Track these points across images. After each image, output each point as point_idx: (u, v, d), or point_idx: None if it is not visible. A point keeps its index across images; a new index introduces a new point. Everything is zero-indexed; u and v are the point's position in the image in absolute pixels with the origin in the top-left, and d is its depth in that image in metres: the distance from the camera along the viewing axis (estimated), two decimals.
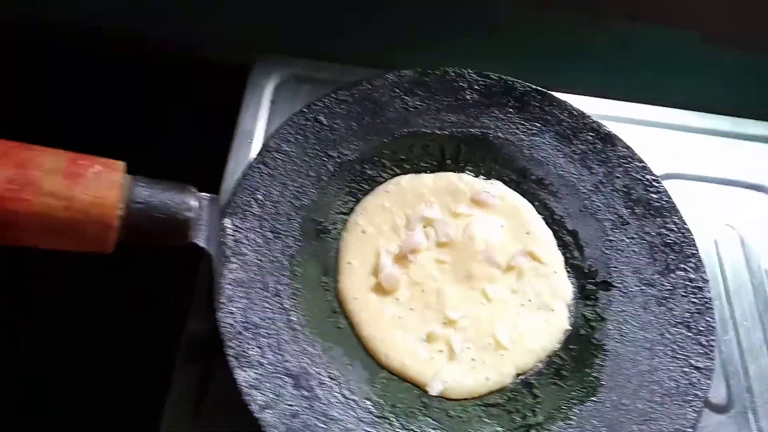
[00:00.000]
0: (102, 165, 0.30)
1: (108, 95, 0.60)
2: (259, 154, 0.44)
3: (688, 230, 0.45)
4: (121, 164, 0.31)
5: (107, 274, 0.52)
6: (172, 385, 0.40)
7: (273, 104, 0.54)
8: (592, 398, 0.40)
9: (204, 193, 0.35)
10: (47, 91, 0.59)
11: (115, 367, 0.51)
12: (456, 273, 0.43)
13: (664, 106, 0.58)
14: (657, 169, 0.50)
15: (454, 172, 0.48)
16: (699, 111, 0.58)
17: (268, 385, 0.36)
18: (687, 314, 0.42)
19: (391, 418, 0.38)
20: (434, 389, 0.38)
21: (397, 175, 0.47)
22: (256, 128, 0.52)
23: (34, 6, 0.55)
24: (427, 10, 0.57)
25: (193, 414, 0.39)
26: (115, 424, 0.49)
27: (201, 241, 0.34)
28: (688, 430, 0.38)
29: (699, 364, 0.40)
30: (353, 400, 0.38)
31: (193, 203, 0.33)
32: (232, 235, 0.40)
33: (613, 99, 0.58)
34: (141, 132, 0.60)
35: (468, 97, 0.49)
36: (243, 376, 0.36)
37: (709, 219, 0.52)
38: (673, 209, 0.46)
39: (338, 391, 0.38)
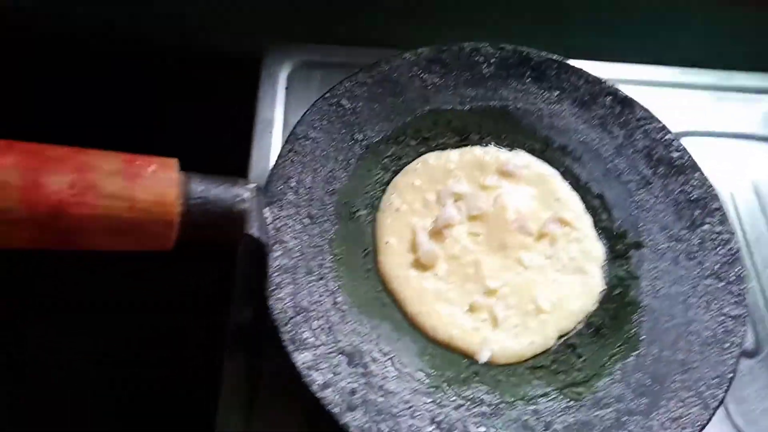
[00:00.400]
0: (157, 164, 0.30)
1: (119, 93, 0.60)
2: (288, 141, 0.44)
3: (711, 185, 0.46)
4: (175, 162, 0.32)
5: (142, 274, 0.53)
6: (223, 379, 0.41)
7: (288, 91, 0.54)
8: (633, 353, 0.41)
9: (252, 184, 0.35)
10: (62, 90, 0.59)
11: (163, 367, 0.52)
12: (490, 244, 0.44)
13: (673, 65, 0.59)
14: (672, 128, 0.51)
15: (479, 146, 0.48)
16: (708, 67, 0.60)
17: (324, 365, 0.37)
18: (717, 266, 0.43)
19: (444, 387, 0.39)
20: (483, 357, 0.40)
21: (424, 153, 0.47)
22: (275, 116, 0.53)
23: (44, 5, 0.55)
24: None
25: (246, 406, 0.40)
26: (169, 424, 0.50)
27: (255, 231, 0.34)
28: (729, 375, 0.39)
29: (733, 312, 0.42)
30: (407, 373, 0.39)
31: (246, 195, 0.34)
32: (272, 224, 0.41)
33: (621, 62, 0.59)
34: (155, 128, 0.60)
35: (485, 70, 0.50)
36: (301, 359, 0.37)
37: (725, 173, 0.54)
38: (694, 166, 0.47)
39: (391, 365, 0.39)
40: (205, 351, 0.43)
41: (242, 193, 0.34)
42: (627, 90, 0.51)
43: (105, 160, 0.29)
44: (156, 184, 0.30)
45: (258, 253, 0.36)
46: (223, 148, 0.57)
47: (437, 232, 0.44)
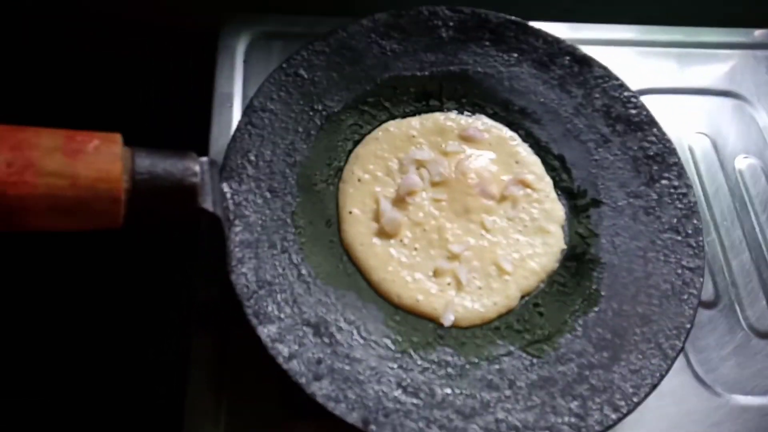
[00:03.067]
0: (100, 139, 0.30)
1: (71, 67, 0.58)
2: (245, 114, 0.44)
3: (669, 140, 0.47)
4: (118, 136, 0.31)
5: (104, 253, 0.52)
6: (191, 356, 0.41)
7: (246, 64, 0.53)
8: (594, 308, 0.42)
9: (203, 157, 0.35)
10: (13, 63, 0.57)
11: (130, 345, 0.52)
12: (453, 209, 0.44)
13: (635, 23, 0.59)
14: (633, 86, 0.51)
15: (439, 111, 0.48)
16: (670, 24, 0.60)
17: (289, 337, 0.38)
18: (674, 220, 0.44)
19: (410, 352, 0.39)
20: (447, 320, 0.40)
21: (385, 121, 0.47)
22: (234, 90, 0.52)
23: None
24: None
25: (216, 381, 0.40)
26: (139, 402, 0.50)
27: (208, 205, 0.34)
28: (687, 326, 0.41)
29: (690, 265, 0.43)
30: (372, 340, 0.39)
31: (196, 168, 0.33)
32: (231, 199, 0.40)
33: (582, 22, 0.58)
34: (112, 102, 0.58)
35: (444, 34, 0.49)
36: (265, 332, 0.37)
37: (684, 128, 0.55)
38: (651, 122, 0.48)
39: (357, 333, 0.39)
40: (173, 328, 0.43)
41: (192, 166, 0.33)
42: (589, 50, 0.51)
43: (44, 137, 0.28)
44: (99, 159, 0.29)
45: (216, 227, 0.36)
46: (182, 124, 0.56)
47: (400, 200, 0.44)
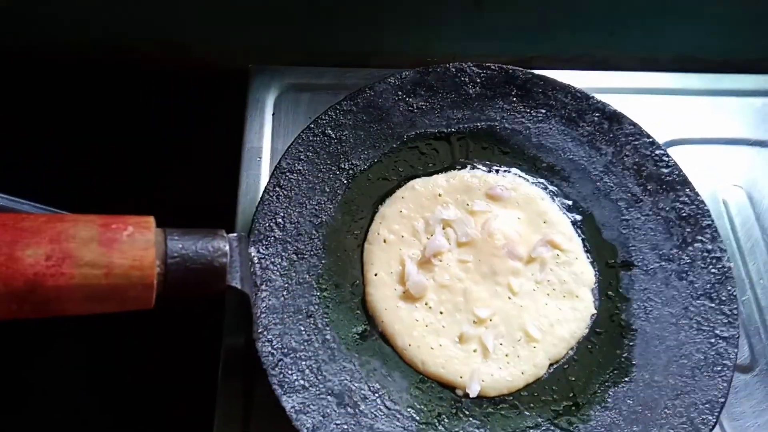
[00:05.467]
0: (134, 225, 0.30)
1: (101, 109, 0.59)
2: (273, 176, 0.44)
3: (702, 201, 0.46)
4: (151, 220, 0.32)
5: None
6: (217, 401, 0.41)
7: (275, 117, 0.54)
8: (625, 379, 0.41)
9: (233, 234, 0.35)
10: (44, 107, 0.58)
11: (157, 387, 0.52)
12: (480, 271, 0.44)
13: (659, 62, 0.58)
14: (661, 136, 0.50)
15: (466, 168, 0.48)
16: (691, 67, 0.59)
17: (313, 407, 0.38)
18: (708, 285, 0.43)
19: (435, 423, 0.39)
20: (473, 391, 0.40)
21: (410, 178, 0.47)
22: (263, 144, 0.52)
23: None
24: None
25: (241, 426, 0.41)
26: None
27: (237, 283, 0.34)
28: (721, 400, 0.39)
29: (725, 334, 0.41)
30: (396, 410, 0.39)
31: (226, 248, 0.34)
32: (258, 263, 0.41)
33: (608, 69, 0.58)
34: (139, 153, 0.60)
35: (471, 90, 0.49)
36: (290, 403, 0.37)
37: (716, 181, 0.53)
38: (684, 182, 0.47)
39: (381, 403, 0.39)
40: (199, 375, 0.44)
41: (222, 246, 0.34)
42: (616, 99, 0.50)
43: (81, 226, 0.29)
44: (132, 247, 0.30)
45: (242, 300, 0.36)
46: (209, 177, 0.57)
47: (426, 262, 0.44)
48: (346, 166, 0.46)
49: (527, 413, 0.40)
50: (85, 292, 0.28)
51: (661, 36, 0.60)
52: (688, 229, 0.45)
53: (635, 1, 0.58)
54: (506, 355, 0.41)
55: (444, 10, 0.56)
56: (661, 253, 0.45)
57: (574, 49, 0.60)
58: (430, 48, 0.58)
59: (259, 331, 0.39)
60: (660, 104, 0.56)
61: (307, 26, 0.57)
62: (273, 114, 0.54)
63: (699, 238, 0.45)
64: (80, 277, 0.28)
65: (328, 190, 0.45)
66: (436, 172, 0.48)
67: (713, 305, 0.43)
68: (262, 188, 0.50)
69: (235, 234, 0.35)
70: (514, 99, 0.49)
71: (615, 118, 0.49)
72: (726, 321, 0.42)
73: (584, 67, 0.58)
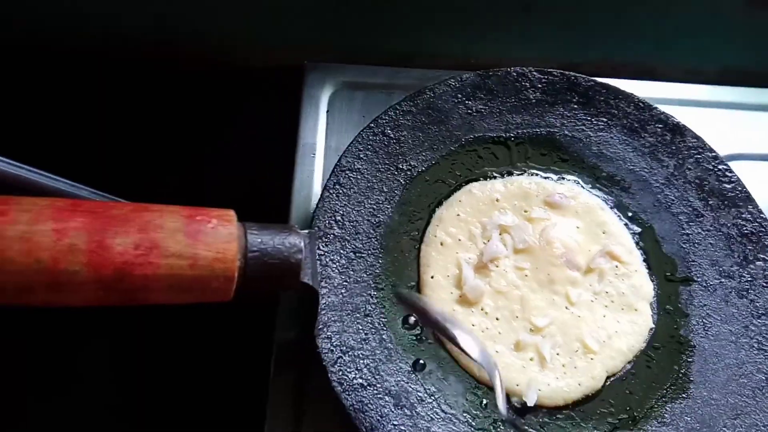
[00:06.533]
0: (217, 218, 0.30)
1: (151, 109, 0.60)
2: (333, 174, 0.44)
3: (765, 219, 0.45)
4: (233, 214, 0.32)
5: None
6: (269, 396, 0.41)
7: (329, 114, 0.54)
8: (683, 395, 0.40)
9: (305, 231, 0.35)
10: (95, 108, 0.59)
11: (208, 387, 0.53)
12: (537, 279, 0.44)
13: (707, 74, 0.57)
14: (724, 150, 0.49)
15: (524, 174, 0.48)
16: (738, 81, 0.57)
17: (371, 406, 0.37)
18: None
19: (490, 430, 0.39)
20: (531, 399, 0.39)
21: (468, 182, 0.47)
22: (317, 141, 0.52)
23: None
24: None
25: (293, 423, 0.41)
26: None
27: (308, 280, 0.34)
28: None
29: None
30: (452, 414, 0.39)
31: (301, 244, 0.34)
32: (319, 260, 0.41)
33: (670, 81, 0.57)
34: (194, 145, 0.60)
35: (531, 96, 0.49)
36: (350, 401, 0.37)
37: None
38: (747, 198, 0.46)
39: (437, 406, 0.39)
40: (252, 369, 0.44)
41: (298, 243, 0.34)
42: (674, 110, 0.49)
43: (168, 217, 0.29)
44: (216, 239, 0.30)
45: (309, 295, 0.36)
46: (264, 173, 0.57)
47: (483, 267, 0.44)
48: (404, 167, 0.46)
49: (583, 425, 0.39)
50: (170, 282, 0.29)
51: (709, 47, 0.59)
52: (750, 247, 0.44)
53: (684, 11, 0.57)
54: (563, 366, 0.41)
55: (492, 12, 0.56)
56: (721, 269, 0.44)
57: (620, 57, 0.59)
58: (474, 50, 0.57)
59: (320, 327, 0.39)
60: (720, 118, 0.55)
61: (352, 25, 0.57)
62: (327, 111, 0.54)
63: (761, 256, 0.44)
64: (166, 268, 0.28)
65: (386, 190, 0.45)
66: (494, 177, 0.47)
67: None
68: (315, 185, 0.50)
69: (306, 231, 0.35)
70: (576, 106, 0.49)
71: (678, 130, 0.48)
72: None
73: (631, 77, 0.57)
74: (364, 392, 0.38)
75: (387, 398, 0.38)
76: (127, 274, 0.27)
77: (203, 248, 0.29)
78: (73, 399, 0.53)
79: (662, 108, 0.49)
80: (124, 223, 0.28)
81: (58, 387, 0.53)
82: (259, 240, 0.32)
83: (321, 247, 0.41)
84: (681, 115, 0.49)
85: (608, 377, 0.41)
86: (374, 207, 0.45)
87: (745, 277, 0.44)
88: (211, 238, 0.29)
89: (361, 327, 0.40)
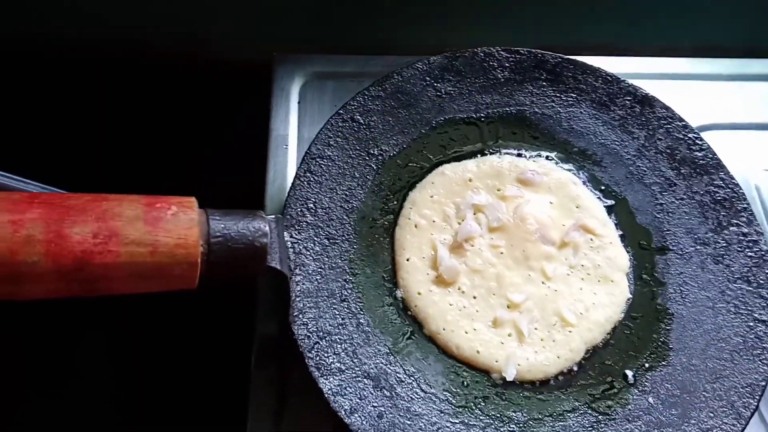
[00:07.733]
0: (177, 205, 0.30)
1: (123, 103, 0.59)
2: (303, 162, 0.44)
3: (737, 184, 0.45)
4: (194, 201, 0.32)
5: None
6: (251, 387, 0.41)
7: (300, 105, 0.54)
8: (662, 363, 0.40)
9: (270, 216, 0.35)
10: (62, 103, 0.59)
11: (188, 379, 0.52)
12: (512, 256, 0.44)
13: (680, 50, 0.57)
14: (694, 121, 0.49)
15: (495, 153, 0.48)
16: (716, 53, 0.58)
17: (350, 390, 0.37)
18: (745, 269, 0.43)
19: (471, 407, 0.39)
20: (510, 374, 0.39)
21: (440, 164, 0.47)
22: (289, 132, 0.52)
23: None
24: None
25: (275, 415, 0.40)
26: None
27: (276, 264, 0.34)
28: (762, 383, 0.39)
29: (763, 317, 0.41)
30: (432, 394, 0.39)
31: (266, 228, 0.34)
32: (291, 248, 0.41)
33: (637, 55, 0.57)
34: (167, 144, 0.60)
35: (500, 75, 0.49)
36: (327, 385, 0.37)
37: (748, 167, 0.52)
38: (718, 165, 0.46)
39: (417, 386, 0.39)
40: (232, 361, 0.44)
41: (263, 227, 0.34)
42: (647, 84, 0.50)
43: (126, 205, 0.29)
44: (177, 226, 0.30)
45: (279, 280, 0.36)
46: (238, 165, 0.57)
47: (458, 246, 0.44)
48: (376, 152, 0.46)
49: (564, 397, 0.39)
50: (131, 269, 0.28)
51: (681, 25, 0.59)
52: (723, 213, 0.45)
53: None
54: (541, 340, 0.41)
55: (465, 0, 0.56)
56: (696, 237, 0.44)
57: (594, 40, 0.59)
58: (451, 38, 0.57)
59: (295, 314, 0.39)
60: (688, 89, 0.55)
61: (327, 17, 0.57)
62: (299, 102, 0.54)
63: (734, 221, 0.44)
64: (126, 255, 0.28)
65: (357, 175, 0.45)
66: (466, 158, 0.47)
67: (751, 288, 0.42)
68: (289, 175, 0.50)
69: (272, 216, 0.35)
70: (544, 83, 0.49)
71: (647, 101, 0.48)
72: (764, 304, 0.41)
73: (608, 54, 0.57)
74: (343, 376, 0.38)
75: (366, 381, 0.38)
76: (87, 263, 0.27)
77: (164, 235, 0.29)
78: (71, 392, 0.53)
79: (632, 82, 0.49)
80: (81, 212, 0.28)
81: (56, 381, 0.53)
82: (222, 225, 0.32)
83: (294, 235, 0.41)
84: (651, 89, 0.49)
85: (588, 349, 0.41)
86: (347, 193, 0.44)
87: (720, 243, 0.44)
88: (172, 225, 0.29)
89: (337, 312, 0.40)
